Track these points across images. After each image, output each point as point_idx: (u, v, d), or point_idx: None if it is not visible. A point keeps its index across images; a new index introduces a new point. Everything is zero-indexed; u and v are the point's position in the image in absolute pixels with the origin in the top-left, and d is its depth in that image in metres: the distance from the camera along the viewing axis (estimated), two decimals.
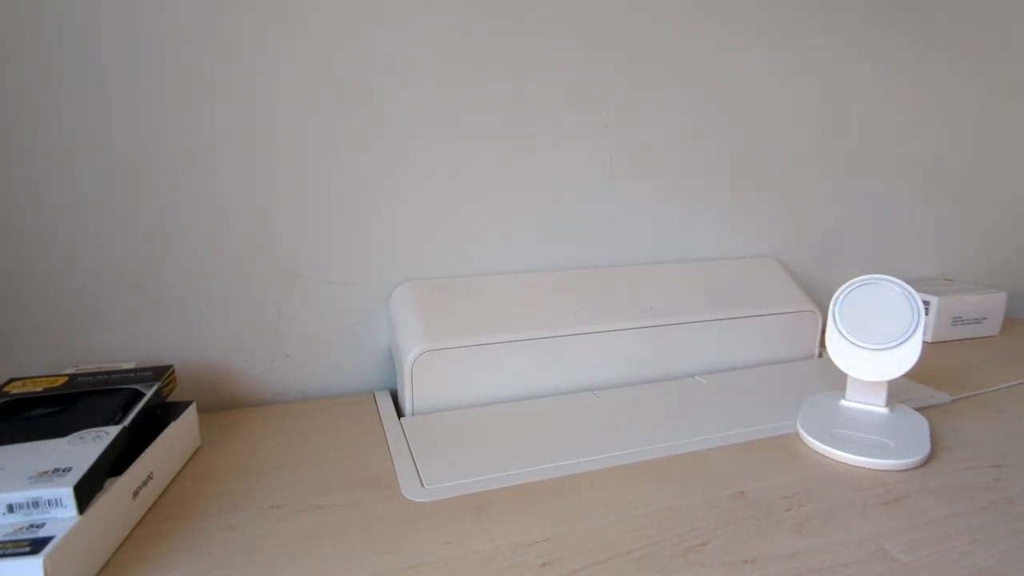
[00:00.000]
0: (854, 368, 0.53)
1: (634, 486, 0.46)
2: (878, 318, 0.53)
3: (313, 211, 0.62)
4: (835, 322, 0.55)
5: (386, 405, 0.61)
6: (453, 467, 0.48)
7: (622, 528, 0.41)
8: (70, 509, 0.36)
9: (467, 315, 0.61)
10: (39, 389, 0.47)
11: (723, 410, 0.58)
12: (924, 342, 0.75)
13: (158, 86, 0.56)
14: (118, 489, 0.40)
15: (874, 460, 0.48)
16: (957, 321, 0.80)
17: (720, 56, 0.74)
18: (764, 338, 0.70)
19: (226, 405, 0.63)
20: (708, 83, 0.74)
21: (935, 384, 0.65)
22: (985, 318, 0.81)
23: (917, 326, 0.51)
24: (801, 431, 0.52)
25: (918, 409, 0.57)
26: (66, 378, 0.50)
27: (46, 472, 0.37)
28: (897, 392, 0.61)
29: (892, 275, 0.57)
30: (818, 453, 0.50)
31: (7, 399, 0.46)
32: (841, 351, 0.54)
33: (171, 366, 0.54)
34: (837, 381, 0.64)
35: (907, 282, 0.53)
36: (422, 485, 0.46)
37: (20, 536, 0.34)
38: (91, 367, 0.54)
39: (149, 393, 0.48)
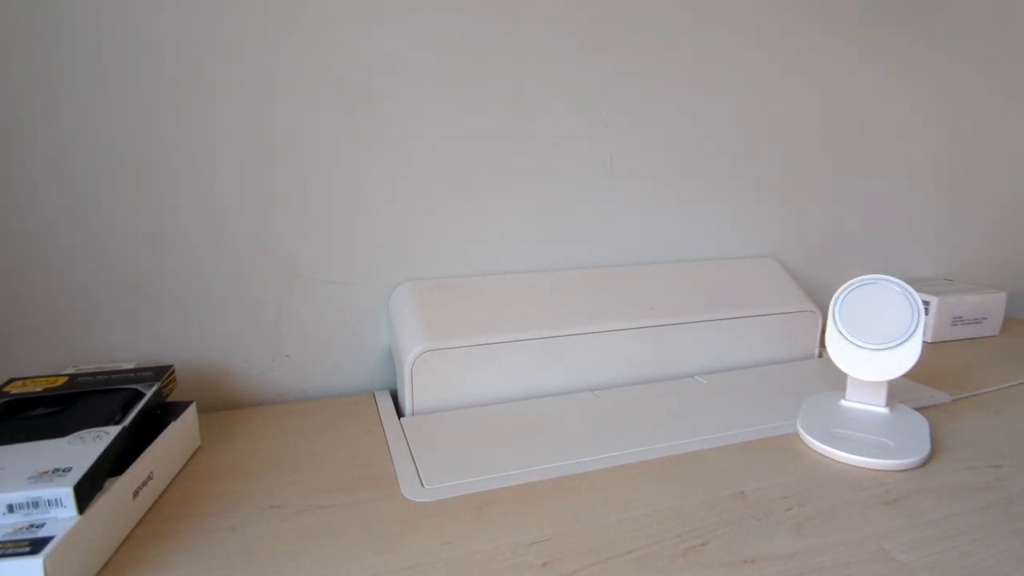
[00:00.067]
0: (854, 368, 0.53)
1: (634, 486, 0.46)
2: (878, 318, 0.53)
3: (313, 211, 0.62)
4: (835, 322, 0.55)
5: (386, 405, 0.61)
6: (453, 467, 0.48)
7: (622, 528, 0.41)
8: (70, 509, 0.36)
9: (467, 315, 0.61)
10: (39, 389, 0.47)
11: (723, 410, 0.58)
12: (924, 342, 0.75)
13: (158, 86, 0.56)
14: (118, 489, 0.40)
15: (874, 460, 0.48)
16: (957, 321, 0.80)
17: (720, 56, 0.74)
18: (764, 338, 0.70)
19: (226, 405, 0.63)
20: (708, 83, 0.74)
21: (935, 384, 0.65)
22: (985, 318, 0.81)
23: (917, 326, 0.51)
24: (801, 431, 0.52)
25: (918, 409, 0.57)
26: (66, 378, 0.50)
27: (46, 472, 0.37)
28: (897, 392, 0.61)
29: (892, 275, 0.57)
30: (818, 453, 0.50)
31: (7, 399, 0.46)
32: (841, 351, 0.54)
33: (171, 366, 0.54)
34: (837, 381, 0.64)
35: (907, 282, 0.53)
36: (422, 485, 0.46)
37: (20, 536, 0.34)
38: (91, 367, 0.54)
39: (149, 393, 0.48)
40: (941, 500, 0.44)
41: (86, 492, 0.37)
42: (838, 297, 0.55)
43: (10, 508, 0.35)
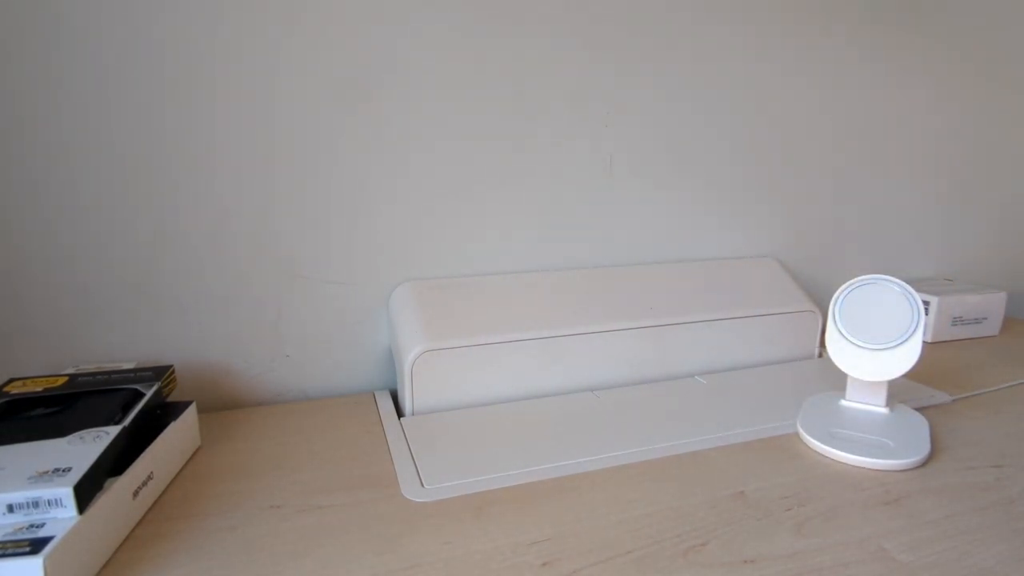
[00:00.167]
0: (854, 368, 0.53)
1: (634, 486, 0.46)
2: (878, 318, 0.53)
3: (313, 211, 0.62)
4: (835, 322, 0.55)
5: (386, 405, 0.61)
6: (453, 467, 0.48)
7: (622, 528, 0.41)
8: (70, 509, 0.36)
9: (467, 315, 0.61)
10: (39, 389, 0.47)
11: (723, 410, 0.58)
12: (924, 342, 0.75)
13: (158, 86, 0.56)
14: (118, 489, 0.40)
15: (874, 460, 0.48)
16: (957, 321, 0.80)
17: (720, 56, 0.74)
18: (764, 338, 0.70)
19: (226, 405, 0.63)
20: (708, 83, 0.74)
21: (935, 384, 0.65)
22: (985, 318, 0.81)
23: (917, 326, 0.51)
24: (801, 431, 0.52)
25: (918, 409, 0.57)
26: (66, 378, 0.50)
27: (46, 472, 0.37)
28: (897, 392, 0.61)
29: (892, 275, 0.57)
30: (818, 453, 0.50)
31: (7, 399, 0.46)
32: (841, 351, 0.54)
33: (171, 366, 0.54)
34: (837, 381, 0.64)
35: (907, 282, 0.53)
36: (422, 485, 0.46)
37: (20, 536, 0.34)
38: (91, 367, 0.54)
39: (149, 393, 0.48)
40: (941, 500, 0.44)
41: (86, 492, 0.37)
42: (838, 297, 0.55)
43: (10, 508, 0.35)
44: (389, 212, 0.65)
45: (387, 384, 0.68)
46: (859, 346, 0.53)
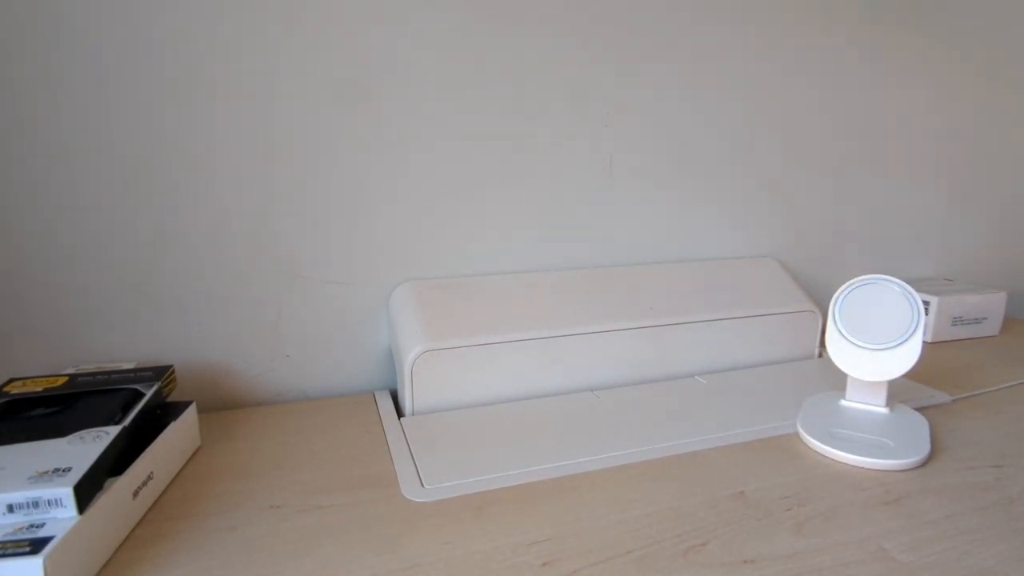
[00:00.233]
0: (854, 368, 0.53)
1: (634, 486, 0.46)
2: (878, 318, 0.53)
3: (313, 211, 0.62)
4: (835, 322, 0.55)
5: (386, 405, 0.61)
6: (453, 467, 0.48)
7: (622, 528, 0.41)
8: (70, 509, 0.36)
9: (467, 315, 0.61)
10: (39, 389, 0.47)
11: (723, 410, 0.58)
12: (924, 342, 0.75)
13: (158, 86, 0.56)
14: (118, 489, 0.40)
15: (874, 460, 0.48)
16: (957, 321, 0.80)
17: (720, 56, 0.74)
18: (764, 338, 0.70)
19: (226, 405, 0.63)
20: (708, 83, 0.74)
21: (935, 384, 0.65)
22: (985, 318, 0.81)
23: (917, 326, 0.51)
24: (801, 431, 0.52)
25: (918, 409, 0.57)
26: (66, 378, 0.50)
27: (46, 472, 0.37)
28: (897, 392, 0.61)
29: (892, 275, 0.57)
30: (818, 453, 0.50)
31: (7, 399, 0.46)
32: (841, 351, 0.54)
33: (171, 366, 0.54)
34: (837, 381, 0.64)
35: (907, 282, 0.53)
36: (422, 485, 0.46)
37: (20, 536, 0.34)
38: (91, 367, 0.54)
39: (149, 393, 0.48)
40: (941, 500, 0.44)
41: (86, 492, 0.37)
42: (838, 297, 0.55)
43: (10, 508, 0.35)
44: (389, 212, 0.65)
45: (387, 384, 0.68)
46: (859, 346, 0.53)
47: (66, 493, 0.35)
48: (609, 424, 0.55)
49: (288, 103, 0.59)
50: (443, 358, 0.58)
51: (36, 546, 0.33)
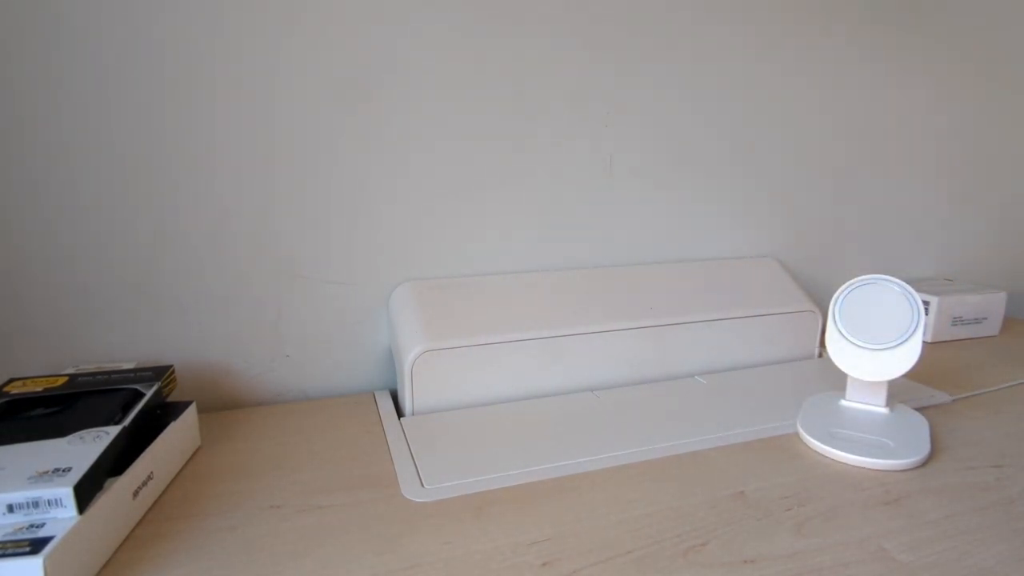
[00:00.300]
0: (854, 368, 0.53)
1: (634, 486, 0.46)
2: (878, 318, 0.53)
3: (313, 211, 0.62)
4: (835, 322, 0.55)
5: (386, 405, 0.61)
6: (453, 467, 0.48)
7: (622, 528, 0.41)
8: (70, 509, 0.36)
9: (467, 315, 0.61)
10: (39, 389, 0.47)
11: (723, 410, 0.58)
12: (924, 342, 0.75)
13: (158, 86, 0.56)
14: (118, 489, 0.40)
15: (874, 460, 0.48)
16: (957, 321, 0.80)
17: (720, 56, 0.74)
18: (764, 338, 0.70)
19: (226, 405, 0.63)
20: (708, 83, 0.74)
21: (935, 384, 0.65)
22: (985, 318, 0.81)
23: (917, 326, 0.51)
24: (801, 431, 0.52)
25: (918, 409, 0.57)
26: (66, 378, 0.50)
27: (46, 472, 0.37)
28: (897, 392, 0.61)
29: (892, 275, 0.57)
30: (818, 453, 0.50)
31: (7, 399, 0.46)
32: (841, 351, 0.54)
33: (171, 366, 0.54)
34: (837, 381, 0.64)
35: (907, 282, 0.53)
36: (422, 485, 0.46)
37: (20, 536, 0.34)
38: (91, 367, 0.54)
39: (149, 393, 0.48)
40: (941, 500, 0.44)
41: (86, 492, 0.37)
42: (838, 297, 0.55)
43: (10, 508, 0.35)
44: (389, 212, 0.65)
45: (387, 384, 0.68)
46: (859, 346, 0.53)
47: (66, 493, 0.35)
48: (609, 424, 0.55)
49: (288, 103, 0.59)
50: (443, 358, 0.58)
51: (36, 546, 0.33)
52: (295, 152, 0.60)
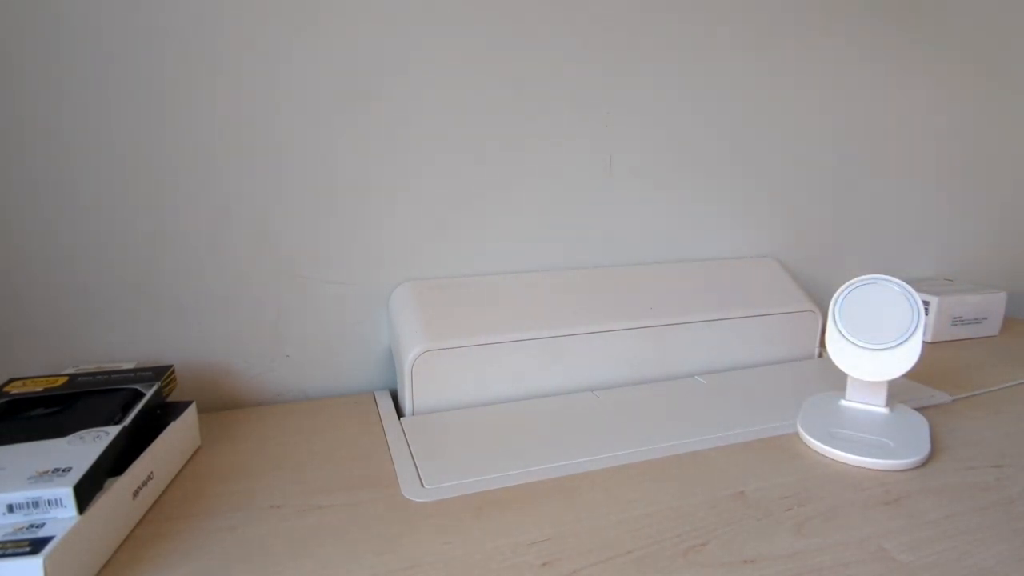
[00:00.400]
0: (854, 368, 0.53)
1: (634, 486, 0.46)
2: (878, 318, 0.53)
3: (313, 211, 0.62)
4: (835, 322, 0.55)
5: (386, 405, 0.61)
6: (453, 467, 0.48)
7: (622, 528, 0.41)
8: (70, 509, 0.36)
9: (467, 315, 0.61)
10: (39, 389, 0.47)
11: (723, 410, 0.58)
12: (924, 342, 0.75)
13: (158, 86, 0.56)
14: (118, 489, 0.40)
15: (874, 460, 0.48)
16: (957, 321, 0.80)
17: (720, 56, 0.74)
18: (764, 338, 0.70)
19: (226, 405, 0.63)
20: (708, 83, 0.74)
21: (935, 384, 0.65)
22: (985, 318, 0.81)
23: (917, 326, 0.51)
24: (801, 431, 0.52)
25: (918, 409, 0.57)
26: (66, 378, 0.50)
27: (46, 472, 0.37)
28: (897, 392, 0.61)
29: (892, 275, 0.57)
30: (818, 453, 0.50)
31: (7, 399, 0.46)
32: (841, 351, 0.54)
33: (171, 366, 0.54)
34: (837, 381, 0.64)
35: (907, 282, 0.53)
36: (422, 485, 0.46)
37: (20, 536, 0.34)
38: (91, 367, 0.54)
39: (149, 393, 0.48)
40: (941, 500, 0.44)
41: (86, 492, 0.37)
42: (838, 297, 0.55)
43: (10, 508, 0.35)
44: (389, 212, 0.65)
45: (387, 384, 0.68)
46: (859, 346, 0.53)
47: (66, 493, 0.35)
48: (609, 424, 0.55)
49: (288, 103, 0.59)
50: (443, 358, 0.58)
51: (36, 546, 0.33)
52: (295, 152, 0.60)
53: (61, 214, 0.55)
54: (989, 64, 0.89)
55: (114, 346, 0.59)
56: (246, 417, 0.59)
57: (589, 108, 0.69)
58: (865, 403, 0.55)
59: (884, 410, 0.54)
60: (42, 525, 0.35)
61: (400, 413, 0.59)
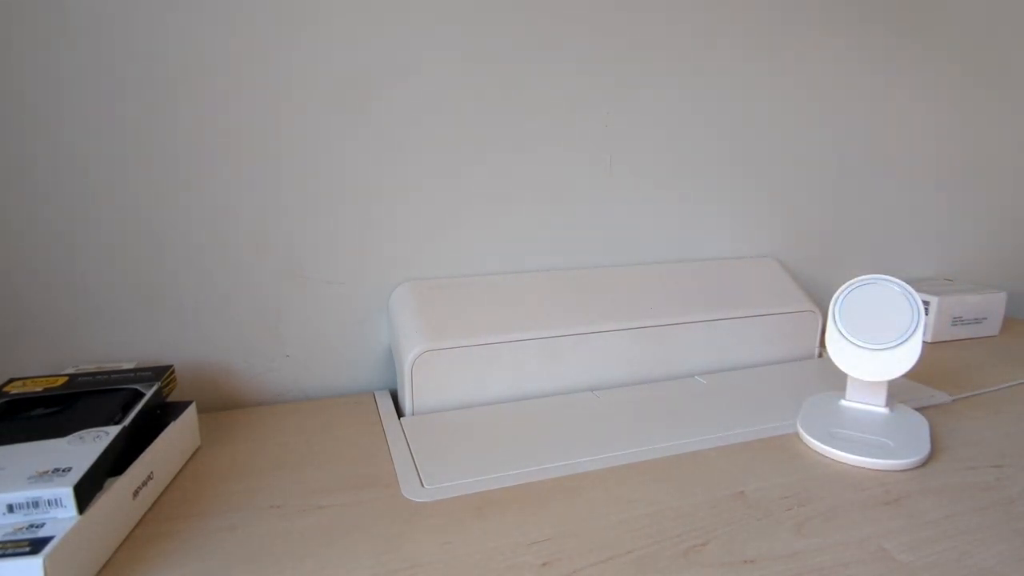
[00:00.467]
0: (854, 368, 0.53)
1: (634, 486, 0.46)
2: (878, 318, 0.53)
3: (313, 211, 0.62)
4: (835, 322, 0.55)
5: (386, 405, 0.61)
6: (453, 467, 0.48)
7: (622, 528, 0.41)
8: (70, 509, 0.36)
9: (467, 315, 0.61)
10: (39, 389, 0.47)
11: (723, 410, 0.58)
12: (924, 342, 0.75)
13: (160, 87, 0.56)
14: (118, 489, 0.40)
15: (874, 460, 0.48)
16: (957, 321, 0.80)
17: (720, 56, 0.74)
18: (764, 338, 0.70)
19: (226, 405, 0.63)
20: (708, 83, 0.74)
21: (935, 384, 0.65)
22: (985, 318, 0.81)
23: (917, 326, 0.51)
24: (801, 431, 0.52)
25: (918, 409, 0.57)
26: (66, 378, 0.50)
27: (46, 472, 0.37)
28: (897, 392, 0.61)
29: (892, 275, 0.57)
30: (818, 453, 0.50)
31: (7, 399, 0.46)
32: (841, 351, 0.54)
33: (171, 366, 0.54)
34: (837, 381, 0.64)
35: (907, 282, 0.53)
36: (422, 485, 0.46)
37: (20, 536, 0.34)
38: (91, 367, 0.54)
39: (149, 393, 0.48)
40: (941, 500, 0.44)
41: (86, 492, 0.37)
42: (838, 297, 0.55)
43: (10, 508, 0.35)
44: (389, 212, 0.65)
45: (387, 384, 0.68)
46: (859, 346, 0.53)
47: (66, 493, 0.35)
48: (609, 424, 0.55)
49: (289, 103, 0.59)
50: (443, 358, 0.58)
51: (36, 546, 0.33)
52: (296, 152, 0.60)
53: (61, 214, 0.55)
54: (989, 64, 0.89)
55: (114, 346, 0.59)
56: (246, 417, 0.59)
57: (589, 108, 0.69)
58: (865, 403, 0.55)
59: (884, 410, 0.54)
60: (42, 525, 0.35)
61: (400, 413, 0.59)
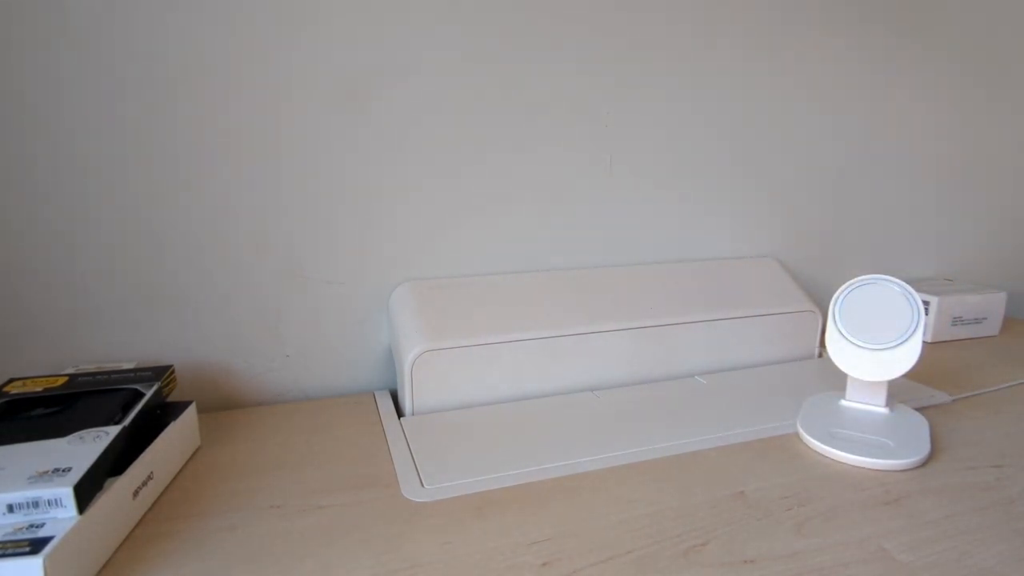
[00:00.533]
0: (854, 368, 0.53)
1: (634, 486, 0.46)
2: (878, 318, 0.53)
3: (313, 211, 0.62)
4: (835, 322, 0.55)
5: (386, 405, 0.61)
6: (453, 467, 0.48)
7: (622, 528, 0.41)
8: (70, 509, 0.36)
9: (467, 315, 0.61)
10: (39, 389, 0.47)
11: (723, 410, 0.58)
12: (924, 342, 0.75)
13: (160, 86, 0.56)
14: (118, 489, 0.40)
15: (874, 460, 0.48)
16: (957, 321, 0.80)
17: (720, 56, 0.74)
18: (764, 338, 0.70)
19: (226, 405, 0.63)
20: (708, 83, 0.74)
21: (935, 384, 0.65)
22: (985, 318, 0.81)
23: (917, 326, 0.51)
24: (801, 431, 0.52)
25: (918, 409, 0.57)
26: (66, 378, 0.50)
27: (46, 472, 0.37)
28: (897, 392, 0.61)
29: (892, 275, 0.57)
30: (818, 453, 0.50)
31: (7, 399, 0.46)
32: (841, 351, 0.54)
33: (171, 366, 0.54)
34: (837, 381, 0.64)
35: (907, 282, 0.53)
36: (422, 485, 0.46)
37: (20, 536, 0.34)
38: (91, 367, 0.54)
39: (149, 393, 0.48)
40: (941, 500, 0.44)
41: (86, 492, 0.37)
42: (838, 297, 0.55)
43: (10, 508, 0.35)
44: (389, 212, 0.65)
45: (387, 384, 0.68)
46: (859, 346, 0.53)
47: (66, 493, 0.35)
48: (609, 424, 0.55)
49: (289, 104, 0.59)
50: (443, 358, 0.58)
51: (36, 546, 0.33)
52: (296, 152, 0.60)
53: (61, 214, 0.55)
54: (989, 64, 0.89)
55: (114, 346, 0.59)
56: (246, 417, 0.59)
57: (589, 108, 0.69)
58: (865, 403, 0.55)
59: (884, 410, 0.54)
60: (42, 525, 0.35)
61: (400, 413, 0.59)
